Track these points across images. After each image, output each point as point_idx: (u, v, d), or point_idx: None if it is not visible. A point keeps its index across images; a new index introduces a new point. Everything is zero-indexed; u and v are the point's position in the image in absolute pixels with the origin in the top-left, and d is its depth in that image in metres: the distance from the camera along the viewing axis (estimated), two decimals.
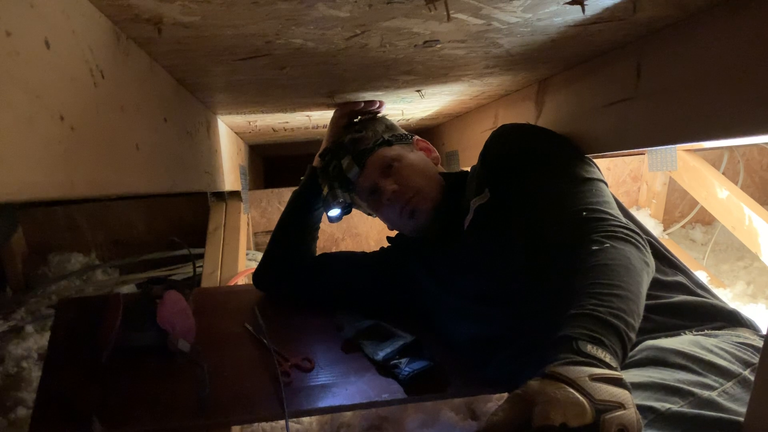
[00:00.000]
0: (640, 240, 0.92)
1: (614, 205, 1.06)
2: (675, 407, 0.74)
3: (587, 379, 0.66)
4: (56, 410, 1.16)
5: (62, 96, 0.58)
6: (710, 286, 1.10)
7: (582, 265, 0.87)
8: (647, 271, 0.89)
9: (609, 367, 0.69)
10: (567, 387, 0.65)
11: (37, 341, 1.86)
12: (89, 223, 2.28)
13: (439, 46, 1.01)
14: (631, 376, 0.82)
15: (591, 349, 0.71)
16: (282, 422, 1.32)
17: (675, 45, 0.95)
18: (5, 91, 0.46)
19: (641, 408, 0.67)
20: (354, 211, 1.44)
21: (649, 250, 0.93)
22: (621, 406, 0.64)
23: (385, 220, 1.37)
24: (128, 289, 2.02)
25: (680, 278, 1.05)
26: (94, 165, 0.66)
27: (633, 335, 0.76)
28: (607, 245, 0.88)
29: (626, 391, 0.66)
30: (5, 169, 0.44)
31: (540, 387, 0.67)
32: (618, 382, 0.67)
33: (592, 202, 1.01)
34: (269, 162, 3.83)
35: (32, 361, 1.81)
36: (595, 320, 0.75)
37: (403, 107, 1.77)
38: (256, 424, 1.41)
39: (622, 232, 0.91)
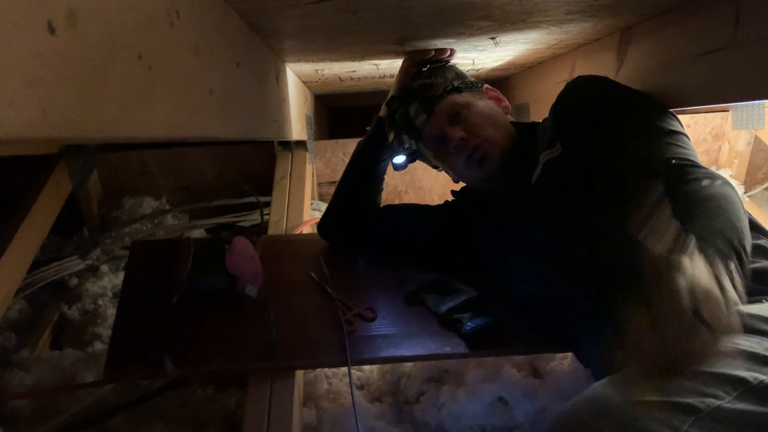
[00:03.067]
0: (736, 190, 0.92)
1: (698, 159, 1.02)
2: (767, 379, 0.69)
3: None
4: (130, 348, 1.22)
5: (140, 35, 0.57)
6: None
7: (697, 195, 0.89)
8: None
9: None
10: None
11: (111, 280, 1.95)
12: (161, 169, 2.34)
13: None
14: None
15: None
16: (344, 369, 1.34)
17: None
18: (85, 25, 0.45)
19: (730, 378, 0.62)
20: (418, 163, 1.41)
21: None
22: None
23: (451, 170, 1.34)
24: (197, 233, 2.08)
25: (763, 242, 0.99)
26: (171, 107, 0.65)
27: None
28: (718, 182, 0.90)
29: None
30: (86, 104, 0.43)
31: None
32: None
33: (680, 153, 1.00)
34: (334, 113, 3.82)
35: (107, 299, 1.89)
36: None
37: (475, 56, 1.71)
38: (319, 369, 1.43)
39: (721, 178, 0.91)
